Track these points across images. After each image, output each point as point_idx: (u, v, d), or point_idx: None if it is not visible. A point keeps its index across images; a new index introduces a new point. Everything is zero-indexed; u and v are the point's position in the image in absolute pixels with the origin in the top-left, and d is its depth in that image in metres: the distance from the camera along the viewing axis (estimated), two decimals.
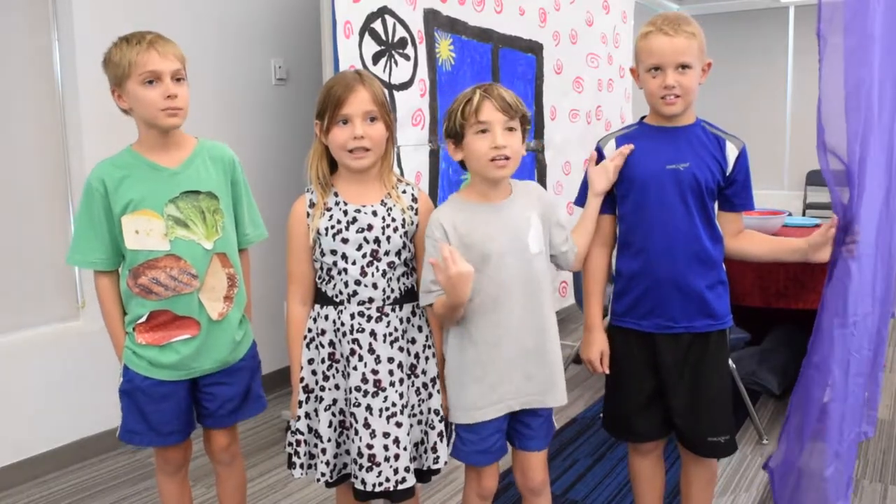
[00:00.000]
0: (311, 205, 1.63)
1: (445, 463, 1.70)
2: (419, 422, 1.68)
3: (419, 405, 1.68)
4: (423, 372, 1.68)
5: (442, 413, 1.69)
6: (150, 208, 1.67)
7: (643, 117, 1.84)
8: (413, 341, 1.67)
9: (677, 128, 1.76)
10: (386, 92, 1.70)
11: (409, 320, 1.66)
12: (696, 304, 1.75)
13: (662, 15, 1.73)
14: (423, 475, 1.70)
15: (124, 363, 1.74)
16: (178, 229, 1.69)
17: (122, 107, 1.70)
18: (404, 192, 1.67)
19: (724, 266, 1.82)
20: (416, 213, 1.66)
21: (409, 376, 1.66)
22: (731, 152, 1.76)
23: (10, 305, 2.57)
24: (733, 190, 1.78)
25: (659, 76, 1.69)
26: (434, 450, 1.68)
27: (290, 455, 1.70)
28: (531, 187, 1.73)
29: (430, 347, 1.69)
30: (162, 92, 1.63)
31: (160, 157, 1.70)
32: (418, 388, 1.67)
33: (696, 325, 1.76)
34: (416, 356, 1.67)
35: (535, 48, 3.66)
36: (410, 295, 1.67)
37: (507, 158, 1.58)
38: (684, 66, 1.67)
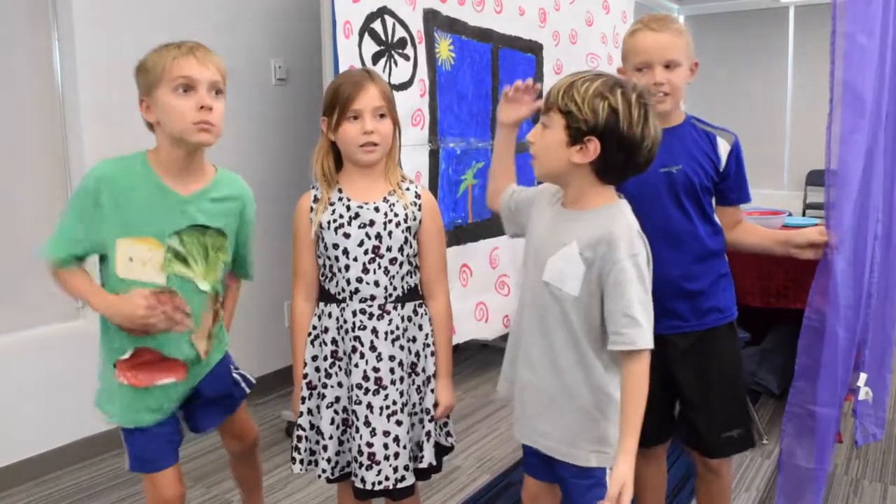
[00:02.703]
0: (315, 200, 1.64)
1: (431, 464, 1.67)
2: (420, 420, 1.68)
3: (419, 404, 1.68)
4: (423, 370, 1.68)
5: (433, 412, 1.68)
6: (152, 236, 1.51)
7: None
8: (414, 340, 1.67)
9: (667, 129, 1.74)
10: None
11: (410, 319, 1.66)
12: (702, 302, 1.75)
13: (649, 14, 1.73)
14: (423, 474, 1.70)
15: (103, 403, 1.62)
16: (177, 264, 1.54)
17: (148, 119, 1.51)
18: (408, 189, 1.67)
19: (725, 257, 1.81)
20: (419, 209, 1.66)
21: (409, 375, 1.66)
22: (723, 147, 1.74)
23: (10, 305, 2.56)
24: (727, 185, 1.77)
25: (647, 74, 1.68)
26: (420, 448, 1.68)
27: (293, 449, 1.71)
28: (608, 228, 1.38)
29: (429, 346, 1.69)
30: (195, 102, 1.45)
31: (174, 181, 1.53)
32: (419, 387, 1.68)
33: (705, 322, 1.76)
34: (417, 354, 1.68)
35: (534, 48, 3.66)
36: (413, 293, 1.67)
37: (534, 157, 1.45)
38: (672, 64, 1.67)
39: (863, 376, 1.88)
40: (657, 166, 1.72)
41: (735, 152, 1.76)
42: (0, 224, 2.53)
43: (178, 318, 1.55)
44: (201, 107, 1.47)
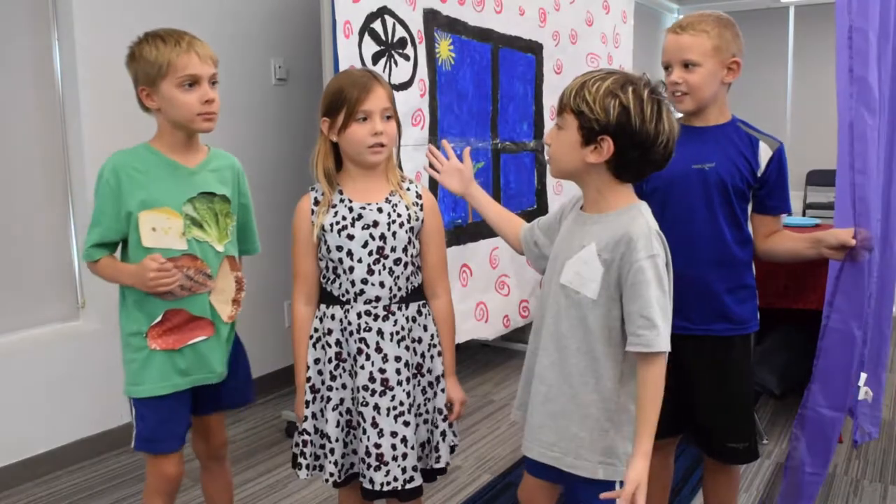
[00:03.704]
0: (316, 202, 1.63)
1: (448, 464, 1.70)
2: (425, 421, 1.68)
3: (425, 404, 1.68)
4: (429, 371, 1.68)
5: (445, 412, 1.69)
6: (168, 206, 1.64)
7: (680, 117, 1.84)
8: (419, 340, 1.67)
9: (708, 127, 1.74)
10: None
11: (414, 319, 1.66)
12: (714, 308, 1.72)
13: (688, 14, 1.74)
14: (429, 475, 1.70)
15: (132, 378, 1.68)
16: (195, 230, 1.67)
17: (149, 106, 1.65)
18: (408, 189, 1.67)
19: (752, 270, 1.78)
20: (420, 209, 1.66)
21: (415, 375, 1.66)
22: (765, 153, 1.72)
23: (10, 305, 2.56)
24: (765, 191, 1.74)
25: (669, 74, 1.72)
26: (437, 449, 1.68)
27: (295, 455, 1.70)
28: (626, 228, 1.35)
29: (435, 346, 1.69)
30: (200, 96, 1.61)
31: (180, 157, 1.69)
32: (424, 388, 1.68)
33: (714, 329, 1.73)
34: (423, 355, 1.68)
35: (534, 48, 3.66)
36: (417, 293, 1.67)
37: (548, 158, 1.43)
38: (689, 64, 1.68)
39: (863, 376, 1.88)
40: (689, 162, 1.70)
41: (777, 159, 1.72)
42: (0, 224, 2.53)
43: (201, 279, 1.68)
44: (206, 101, 1.62)
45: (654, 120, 1.32)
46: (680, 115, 1.82)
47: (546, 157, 1.45)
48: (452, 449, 1.75)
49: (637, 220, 1.36)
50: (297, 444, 1.69)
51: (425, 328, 1.68)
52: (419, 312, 1.67)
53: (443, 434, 1.68)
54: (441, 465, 1.69)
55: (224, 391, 1.80)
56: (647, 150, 1.34)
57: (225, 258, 1.74)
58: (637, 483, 1.30)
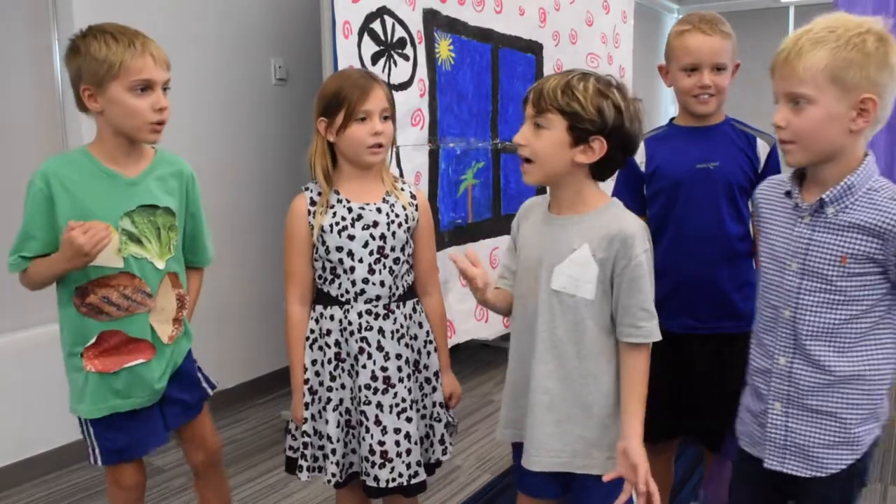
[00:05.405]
0: (312, 203, 1.63)
1: (450, 454, 1.72)
2: (423, 416, 1.69)
3: (422, 400, 1.69)
4: (426, 367, 1.70)
5: (446, 405, 1.72)
6: (102, 220, 1.51)
7: (672, 118, 1.84)
8: (415, 337, 1.68)
9: (707, 127, 1.75)
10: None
11: (410, 317, 1.67)
12: (723, 306, 1.74)
13: (698, 14, 1.72)
14: (428, 468, 1.71)
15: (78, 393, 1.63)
16: (132, 246, 1.56)
17: (91, 107, 1.51)
18: (402, 189, 1.68)
19: (753, 265, 1.80)
20: (416, 209, 1.67)
21: (413, 372, 1.67)
22: (763, 149, 1.74)
23: (10, 306, 2.56)
24: None
25: (695, 75, 1.69)
26: (441, 441, 1.71)
27: (289, 459, 1.70)
28: (618, 225, 1.34)
29: (431, 342, 1.70)
30: (153, 103, 1.50)
31: (118, 165, 1.56)
32: (422, 384, 1.69)
33: (722, 327, 1.75)
34: (419, 352, 1.69)
35: (534, 48, 3.66)
36: (411, 291, 1.69)
37: (527, 161, 1.39)
38: (720, 67, 1.68)
39: None
40: (694, 162, 1.71)
41: (774, 155, 1.74)
42: (0, 225, 2.53)
43: (139, 298, 1.58)
44: (159, 108, 1.52)
45: (637, 120, 1.35)
46: (672, 115, 1.84)
47: (524, 161, 1.39)
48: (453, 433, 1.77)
49: (623, 216, 1.38)
50: (291, 448, 1.69)
51: (420, 325, 1.69)
52: (414, 310, 1.68)
53: (447, 426, 1.71)
54: (448, 456, 1.71)
55: (178, 408, 1.72)
56: (630, 150, 1.38)
57: (166, 275, 1.62)
58: (646, 466, 1.34)
